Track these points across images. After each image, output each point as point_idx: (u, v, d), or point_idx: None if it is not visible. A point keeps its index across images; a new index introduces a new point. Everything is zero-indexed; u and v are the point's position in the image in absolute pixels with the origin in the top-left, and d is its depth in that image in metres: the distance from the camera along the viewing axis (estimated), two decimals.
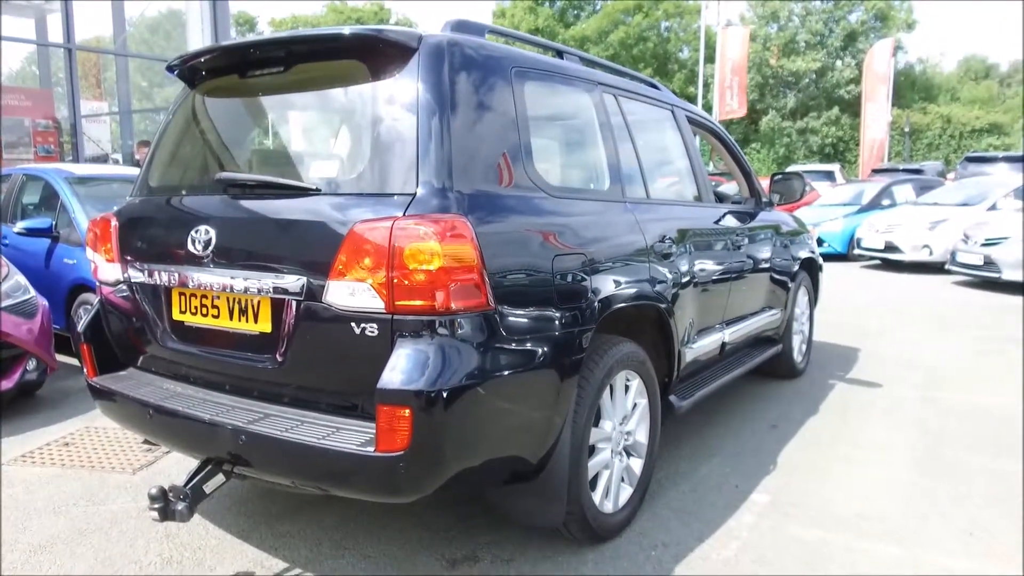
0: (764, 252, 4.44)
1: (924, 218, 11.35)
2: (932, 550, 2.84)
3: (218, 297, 2.48)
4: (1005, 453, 3.83)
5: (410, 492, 2.16)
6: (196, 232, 2.45)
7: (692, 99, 37.72)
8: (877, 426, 4.29)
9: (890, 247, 11.41)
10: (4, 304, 4.36)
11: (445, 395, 2.04)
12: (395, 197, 2.16)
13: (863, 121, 21.70)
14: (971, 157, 17.74)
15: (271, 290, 2.28)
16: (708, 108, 28.46)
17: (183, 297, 2.60)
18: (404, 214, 2.09)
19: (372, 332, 2.11)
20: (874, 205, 13.45)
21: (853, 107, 33.92)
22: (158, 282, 2.62)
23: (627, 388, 2.92)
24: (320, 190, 2.31)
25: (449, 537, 2.92)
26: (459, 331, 2.11)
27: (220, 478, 2.50)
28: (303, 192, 2.33)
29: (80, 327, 2.96)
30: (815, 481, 3.49)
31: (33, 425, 4.29)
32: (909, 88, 35.97)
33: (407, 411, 2.03)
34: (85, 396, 4.85)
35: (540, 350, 2.34)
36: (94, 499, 3.29)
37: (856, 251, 12.22)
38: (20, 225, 5.64)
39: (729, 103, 24.09)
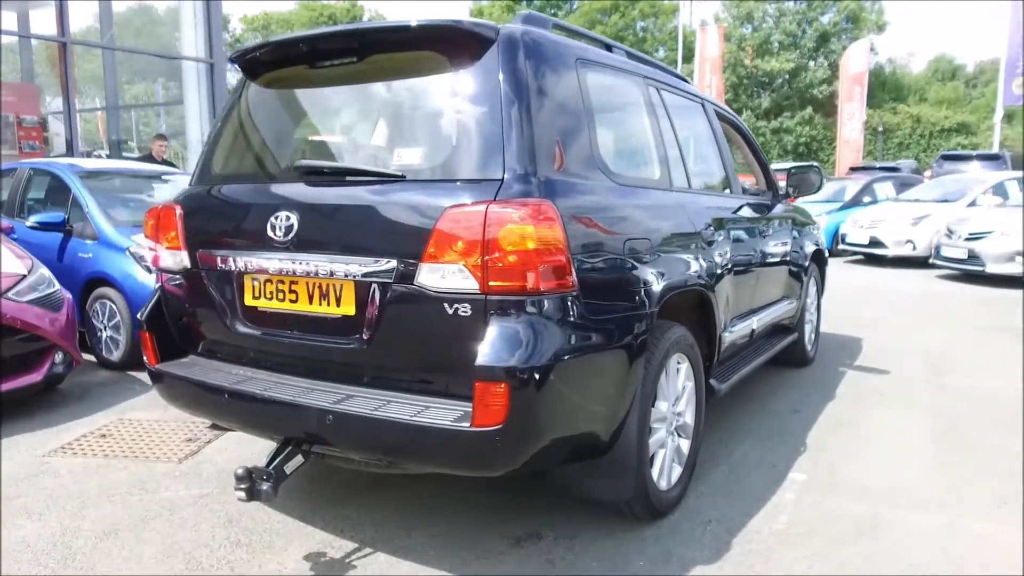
0: (784, 243, 4.59)
1: (907, 214, 11.66)
2: (971, 518, 2.99)
3: (296, 282, 2.54)
4: (1017, 433, 4.01)
5: (502, 466, 2.24)
6: (276, 219, 2.50)
7: None
8: (892, 409, 4.46)
9: (874, 242, 11.70)
10: (31, 297, 4.34)
11: (538, 371, 2.13)
12: (482, 183, 2.24)
13: (839, 120, 22.18)
14: (946, 155, 18.25)
15: (358, 274, 2.34)
16: None
17: (257, 283, 2.64)
18: (495, 199, 2.17)
19: (465, 312, 2.19)
20: (856, 202, 13.78)
21: (825, 107, 34.61)
22: (230, 268, 2.66)
23: (678, 371, 3.02)
24: (405, 177, 2.38)
25: (509, 516, 3.00)
26: (547, 311, 2.19)
27: (298, 459, 2.56)
28: (387, 179, 2.40)
29: (141, 315, 2.98)
30: (845, 460, 3.63)
31: (64, 418, 4.28)
32: (880, 88, 36.69)
33: (504, 387, 2.11)
34: (110, 389, 4.87)
35: (614, 330, 2.44)
36: (145, 487, 3.31)
37: (840, 246, 12.50)
38: (33, 219, 5.59)
39: None
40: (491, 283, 2.15)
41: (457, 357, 2.25)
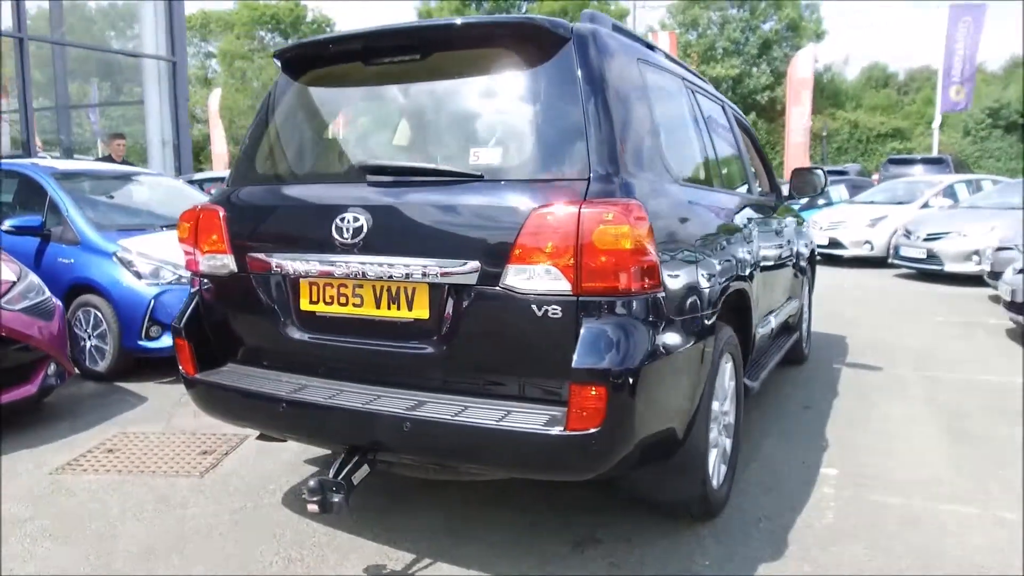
0: (791, 243, 4.68)
1: (864, 216, 12.08)
2: (1001, 508, 3.09)
3: (361, 286, 2.45)
4: (1016, 424, 4.18)
5: (593, 470, 2.21)
6: (342, 220, 2.41)
7: None
8: (896, 403, 4.59)
9: (834, 243, 12.07)
10: (22, 306, 4.10)
11: (634, 374, 2.11)
12: (569, 183, 2.20)
13: (787, 125, 22.74)
14: (893, 159, 18.98)
15: (436, 276, 2.27)
16: None
17: (315, 287, 2.55)
18: (585, 199, 2.14)
19: (556, 314, 2.15)
20: (812, 204, 14.17)
21: (768, 112, 35.62)
22: (284, 272, 2.56)
23: (725, 369, 3.04)
24: (483, 176, 2.32)
25: (560, 521, 2.96)
26: (637, 311, 2.17)
27: (364, 469, 2.47)
28: (464, 179, 2.34)
29: (179, 321, 2.84)
30: (868, 454, 3.71)
31: (61, 432, 4.05)
32: (819, 94, 37.91)
33: (602, 390, 2.08)
34: (102, 401, 4.64)
35: (690, 329, 2.44)
36: (172, 504, 3.16)
37: None
38: (8, 223, 5.28)
39: None
40: (585, 284, 2.11)
41: (543, 359, 2.21)
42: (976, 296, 8.81)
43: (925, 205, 12.06)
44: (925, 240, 10.09)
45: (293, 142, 2.84)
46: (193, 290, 2.91)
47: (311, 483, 2.33)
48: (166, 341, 5.02)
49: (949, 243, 9.77)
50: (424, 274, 2.30)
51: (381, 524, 2.95)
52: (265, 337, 2.73)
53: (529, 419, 2.19)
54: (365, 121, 2.75)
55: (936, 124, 19.78)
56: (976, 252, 9.44)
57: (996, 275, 7.91)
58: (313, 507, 2.32)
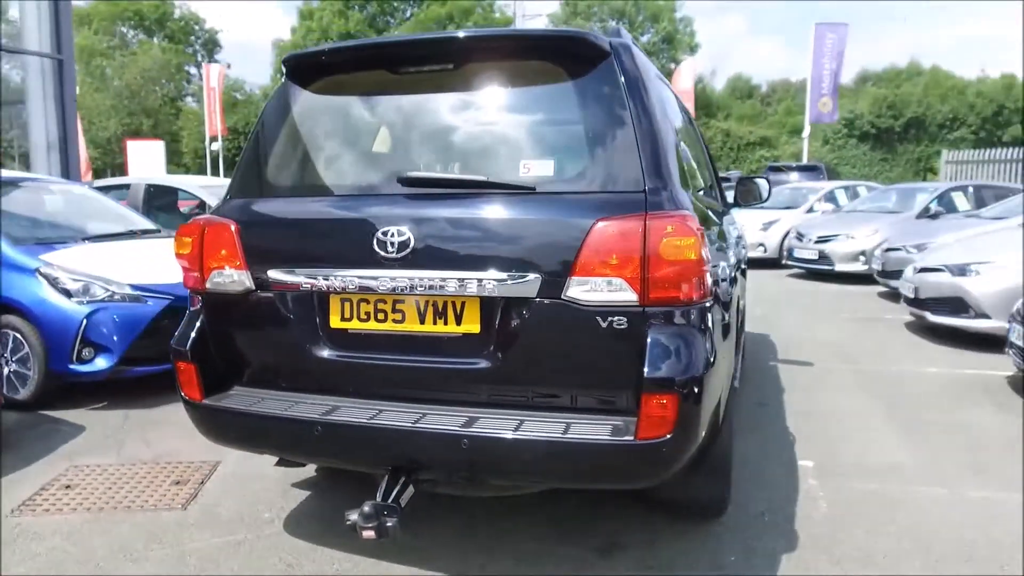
0: (742, 248, 4.93)
1: (757, 220, 12.84)
2: (966, 487, 3.41)
3: (401, 301, 2.38)
4: (951, 408, 4.62)
5: (661, 475, 2.25)
6: (385, 234, 2.33)
7: None
8: (839, 396, 4.95)
9: None
10: None
11: (699, 381, 2.17)
12: (626, 195, 2.23)
13: None
14: (773, 167, 20.31)
15: (494, 289, 2.24)
16: None
17: (347, 303, 2.45)
18: (647, 211, 2.18)
19: (620, 325, 2.18)
20: None
21: None
22: (312, 288, 2.44)
23: None
24: (535, 189, 2.31)
25: (583, 530, 2.99)
26: (695, 320, 2.24)
27: (410, 490, 2.39)
28: (516, 191, 2.32)
29: (181, 343, 2.64)
30: (834, 445, 3.98)
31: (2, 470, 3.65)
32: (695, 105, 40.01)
33: (674, 398, 2.12)
34: (34, 433, 4.23)
35: (728, 335, 2.54)
36: (163, 540, 2.92)
37: None
38: None
39: None
40: (651, 295, 2.15)
41: (604, 370, 2.24)
42: (865, 293, 9.59)
43: (810, 210, 13.00)
44: (817, 242, 10.87)
45: (313, 153, 2.71)
46: (193, 308, 2.72)
47: (366, 508, 2.24)
48: (100, 363, 4.64)
49: (838, 245, 10.58)
50: (480, 287, 2.26)
51: (401, 546, 2.86)
52: (284, 357, 2.59)
53: (592, 430, 2.20)
54: (395, 131, 2.65)
55: (806, 134, 21.35)
56: (863, 252, 10.29)
57: (887, 274, 8.67)
58: (369, 533, 2.23)
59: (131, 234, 5.72)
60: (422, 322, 2.38)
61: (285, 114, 2.70)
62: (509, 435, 2.21)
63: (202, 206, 7.74)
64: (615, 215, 2.18)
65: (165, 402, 4.62)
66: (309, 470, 3.55)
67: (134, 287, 4.78)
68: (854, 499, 3.28)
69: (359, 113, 2.70)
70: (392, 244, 2.32)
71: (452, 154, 2.57)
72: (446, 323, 2.35)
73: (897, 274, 7.60)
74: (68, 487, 3.43)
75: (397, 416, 2.37)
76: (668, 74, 39.09)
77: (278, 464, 2.83)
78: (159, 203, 8.21)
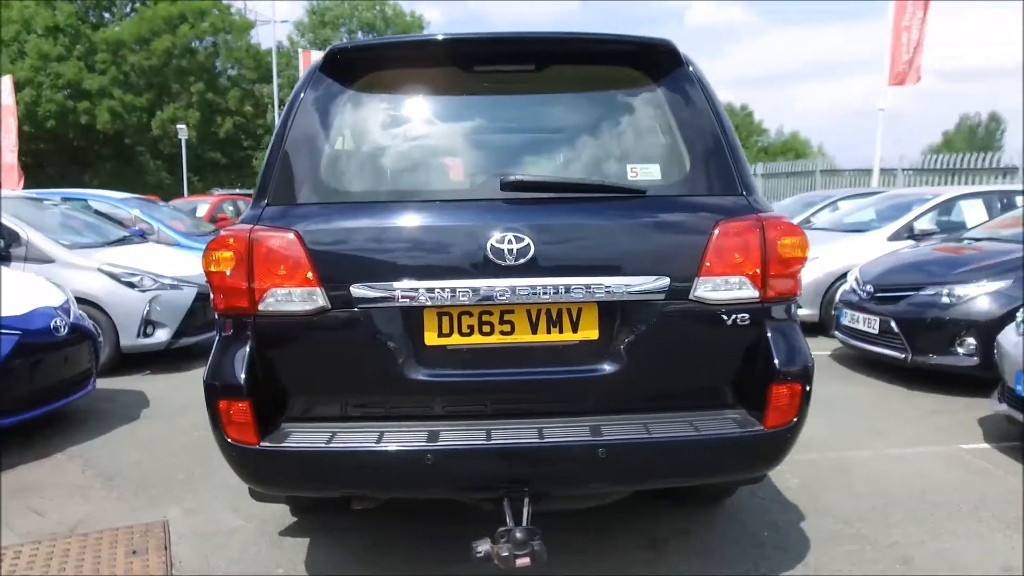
0: None
1: None
2: (885, 447, 4.03)
3: (511, 311, 2.25)
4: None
5: (780, 461, 2.38)
6: (501, 241, 2.18)
7: (249, 119, 36.94)
8: None
9: None
10: None
11: (812, 368, 2.34)
12: (730, 198, 2.34)
13: None
14: None
15: (622, 294, 2.21)
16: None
17: (446, 317, 2.24)
18: (755, 212, 2.31)
19: (744, 321, 2.28)
20: None
21: None
22: (406, 303, 2.20)
23: None
24: (646, 192, 2.32)
25: (620, 526, 3.04)
26: (794, 312, 2.41)
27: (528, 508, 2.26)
28: (626, 195, 2.31)
29: (227, 376, 2.21)
30: None
31: None
32: None
33: (798, 386, 2.27)
34: None
35: None
36: None
37: None
38: None
39: None
40: (770, 291, 2.28)
41: (726, 365, 2.33)
42: None
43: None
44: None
45: (382, 154, 2.42)
46: (226, 335, 2.30)
47: (518, 535, 2.09)
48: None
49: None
50: (607, 292, 2.21)
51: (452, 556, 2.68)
52: (362, 382, 2.30)
53: (719, 425, 2.28)
54: (475, 133, 2.46)
55: None
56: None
57: None
58: (525, 560, 2.08)
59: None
60: (534, 332, 2.27)
61: (333, 111, 2.39)
62: (644, 439, 2.21)
63: None
64: (732, 217, 2.28)
65: (23, 460, 3.80)
66: (277, 512, 3.16)
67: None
68: (812, 470, 3.71)
69: (432, 113, 2.48)
70: (510, 251, 2.18)
71: (542, 157, 2.48)
72: (561, 331, 2.27)
73: None
74: None
75: (513, 433, 2.23)
76: None
77: (356, 506, 2.47)
78: None
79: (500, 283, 2.19)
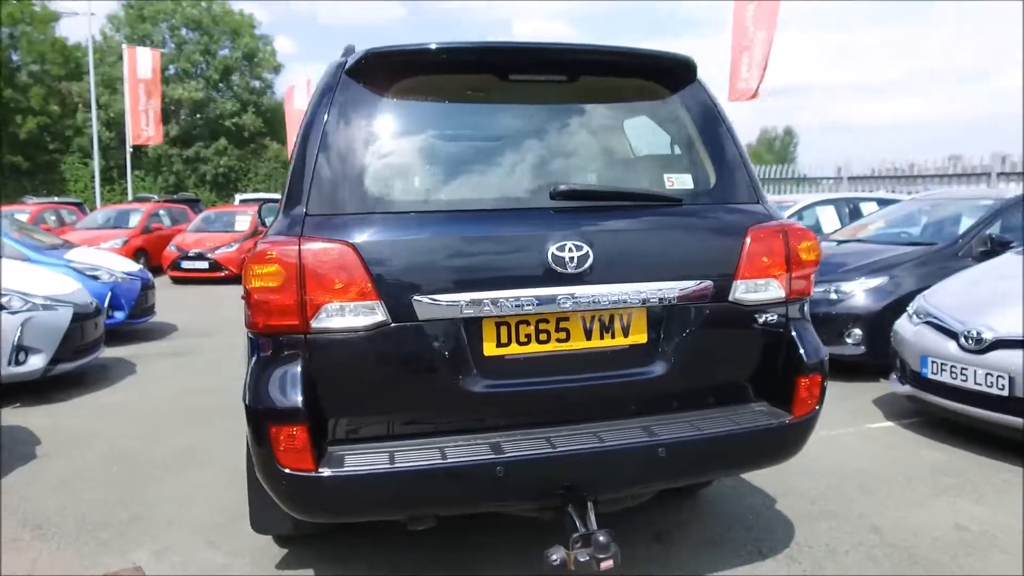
0: None
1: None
2: (861, 423, 4.42)
3: (566, 319, 2.27)
4: None
5: (802, 448, 2.55)
6: (562, 249, 2.20)
7: (56, 119, 33.30)
8: None
9: None
10: None
11: (827, 359, 2.56)
12: (750, 205, 2.51)
13: (290, 154, 23.37)
14: None
15: (672, 298, 2.30)
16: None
17: (504, 327, 2.22)
18: (776, 219, 2.50)
19: (772, 320, 2.45)
20: None
21: (236, 138, 35.56)
22: (466, 314, 2.16)
23: None
24: (683, 201, 2.43)
25: (623, 521, 3.10)
26: (808, 309, 2.62)
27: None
28: (666, 203, 2.41)
29: (277, 399, 2.05)
30: None
31: None
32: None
33: (819, 377, 2.48)
34: None
35: None
36: None
37: None
38: None
39: (145, 129, 22.58)
40: (792, 292, 2.48)
41: (754, 362, 2.49)
42: None
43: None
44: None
45: (426, 162, 2.33)
46: (265, 355, 2.13)
47: (601, 538, 2.10)
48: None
49: None
50: (660, 297, 2.30)
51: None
52: (418, 398, 2.21)
53: (753, 417, 2.44)
54: (512, 142, 2.42)
55: None
56: None
57: None
58: (609, 563, 2.10)
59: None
60: (588, 338, 2.30)
61: (371, 116, 2.28)
62: (697, 436, 2.31)
63: None
64: (760, 224, 2.45)
65: None
66: (261, 544, 2.95)
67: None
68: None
69: (473, 121, 2.43)
70: (572, 259, 2.21)
71: (581, 166, 2.50)
72: (613, 336, 2.32)
73: None
74: None
75: (573, 440, 2.25)
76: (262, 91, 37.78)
77: (410, 527, 2.35)
78: None
79: (562, 291, 2.21)
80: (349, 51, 2.46)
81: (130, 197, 24.85)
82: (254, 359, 2.17)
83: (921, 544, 2.96)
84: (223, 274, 13.58)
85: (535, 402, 2.31)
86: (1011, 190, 8.41)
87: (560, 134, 2.51)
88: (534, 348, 2.26)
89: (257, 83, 38.27)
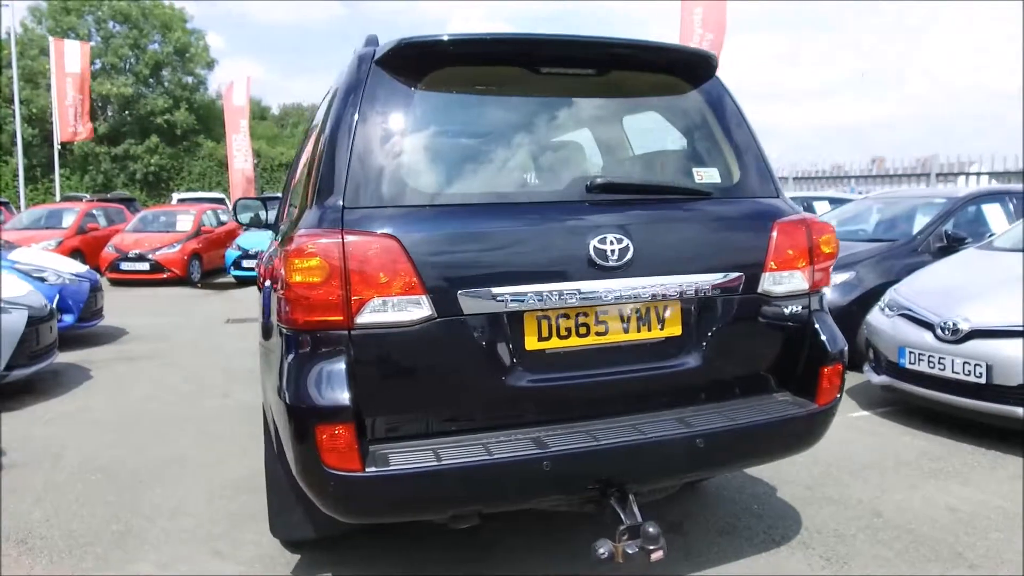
0: None
1: None
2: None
3: (605, 312, 2.26)
4: None
5: (824, 435, 2.61)
6: (603, 242, 2.19)
7: None
8: None
9: None
10: None
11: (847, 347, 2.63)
12: (774, 199, 2.56)
13: (229, 152, 22.68)
14: None
15: (706, 290, 2.33)
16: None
17: (545, 321, 2.20)
18: (796, 212, 2.56)
19: (797, 310, 2.50)
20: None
21: (168, 135, 34.31)
22: (509, 308, 2.13)
23: None
24: (712, 194, 2.46)
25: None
26: (826, 302, 2.69)
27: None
28: (697, 197, 2.43)
29: (320, 398, 1.99)
30: None
31: None
32: (218, 123, 38.29)
33: (841, 366, 2.54)
34: None
35: None
36: None
37: None
38: None
39: (74, 125, 21.54)
40: (813, 283, 2.54)
41: (781, 352, 2.54)
42: None
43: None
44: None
45: (466, 154, 2.29)
46: (303, 352, 2.06)
47: (651, 530, 2.11)
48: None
49: None
50: (697, 289, 2.32)
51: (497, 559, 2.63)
52: (459, 393, 2.18)
53: (781, 407, 2.48)
54: (550, 134, 2.38)
55: None
56: None
57: None
58: (659, 554, 2.11)
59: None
60: (626, 331, 2.30)
61: (406, 107, 2.23)
62: (733, 426, 2.34)
63: None
64: (785, 217, 2.50)
65: None
66: (271, 551, 2.85)
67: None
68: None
69: (507, 113, 2.39)
70: (613, 252, 2.21)
71: (614, 159, 2.50)
72: (650, 329, 2.33)
73: None
74: None
75: (614, 432, 2.25)
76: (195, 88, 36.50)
77: (451, 525, 2.29)
78: None
79: (604, 284, 2.21)
80: (371, 41, 2.40)
81: (57, 197, 23.64)
82: (291, 356, 2.09)
83: (922, 526, 3.08)
84: (165, 276, 13.09)
85: (573, 396, 2.30)
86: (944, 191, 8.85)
87: (591, 127, 2.50)
88: (574, 342, 2.25)
89: (190, 79, 36.95)
